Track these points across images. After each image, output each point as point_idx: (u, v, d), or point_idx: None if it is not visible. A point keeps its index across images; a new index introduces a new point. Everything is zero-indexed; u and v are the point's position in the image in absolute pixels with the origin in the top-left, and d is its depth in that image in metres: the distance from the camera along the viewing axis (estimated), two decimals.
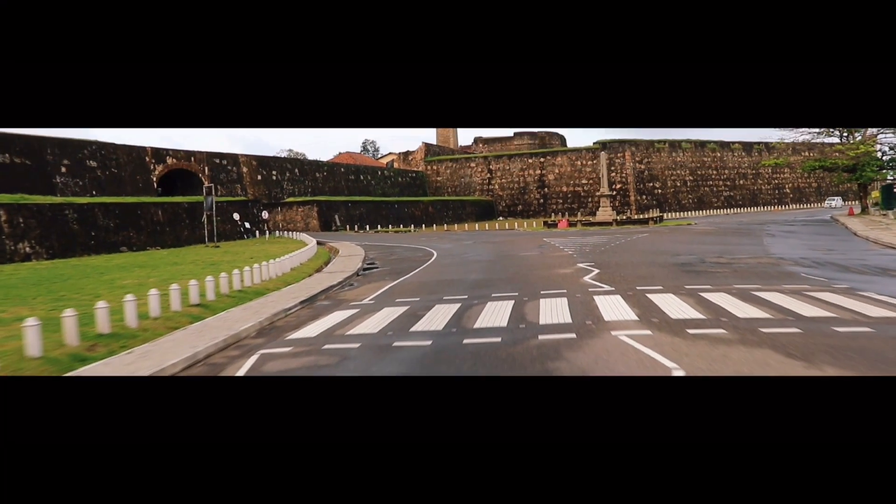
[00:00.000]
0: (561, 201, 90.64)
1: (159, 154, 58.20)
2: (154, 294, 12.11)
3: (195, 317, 12.61)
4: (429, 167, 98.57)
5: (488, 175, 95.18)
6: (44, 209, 35.15)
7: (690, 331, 8.54)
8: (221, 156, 65.19)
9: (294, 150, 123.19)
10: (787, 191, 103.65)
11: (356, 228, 63.12)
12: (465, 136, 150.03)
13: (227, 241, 45.91)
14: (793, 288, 12.10)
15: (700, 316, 9.54)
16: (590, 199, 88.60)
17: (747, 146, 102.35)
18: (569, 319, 9.77)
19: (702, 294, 11.69)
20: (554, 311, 10.69)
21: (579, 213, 65.36)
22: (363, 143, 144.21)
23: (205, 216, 41.98)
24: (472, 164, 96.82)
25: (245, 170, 67.79)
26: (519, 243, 32.90)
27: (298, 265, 23.87)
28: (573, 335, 8.67)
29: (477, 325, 9.76)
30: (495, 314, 10.69)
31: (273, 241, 46.15)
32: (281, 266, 21.10)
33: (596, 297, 11.88)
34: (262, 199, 68.48)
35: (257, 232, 50.23)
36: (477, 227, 61.52)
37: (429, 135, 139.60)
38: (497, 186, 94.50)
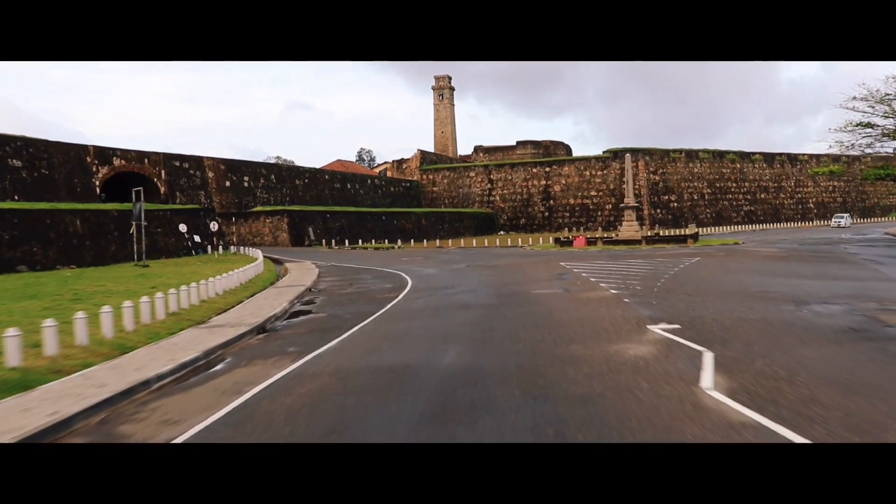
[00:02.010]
0: (568, 214, 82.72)
1: (104, 154, 49.73)
2: None
3: None
4: (424, 176, 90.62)
5: (489, 185, 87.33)
6: None
7: None
8: (182, 157, 56.76)
9: (283, 157, 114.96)
10: (811, 205, 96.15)
11: (333, 243, 54.35)
12: (465, 144, 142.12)
13: (165, 259, 37.49)
14: None
15: None
16: (599, 213, 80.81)
17: (768, 157, 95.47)
18: None
19: None
20: None
21: (600, 229, 56.96)
22: (358, 151, 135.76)
23: (133, 227, 33.58)
24: (472, 174, 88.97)
25: (211, 175, 59.33)
26: (529, 270, 24.25)
27: (195, 304, 15.52)
28: None
29: None
30: None
31: (224, 258, 37.75)
32: (152, 309, 12.83)
33: None
34: (231, 207, 60.04)
35: (209, 247, 41.67)
36: (475, 243, 52.87)
37: (426, 142, 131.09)
38: (498, 198, 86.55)
